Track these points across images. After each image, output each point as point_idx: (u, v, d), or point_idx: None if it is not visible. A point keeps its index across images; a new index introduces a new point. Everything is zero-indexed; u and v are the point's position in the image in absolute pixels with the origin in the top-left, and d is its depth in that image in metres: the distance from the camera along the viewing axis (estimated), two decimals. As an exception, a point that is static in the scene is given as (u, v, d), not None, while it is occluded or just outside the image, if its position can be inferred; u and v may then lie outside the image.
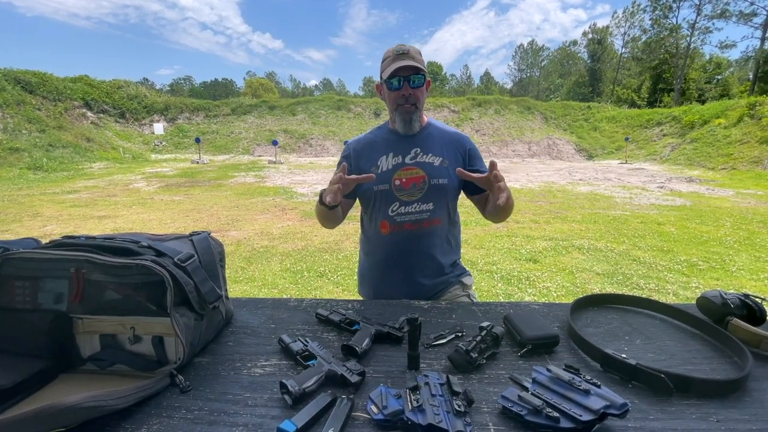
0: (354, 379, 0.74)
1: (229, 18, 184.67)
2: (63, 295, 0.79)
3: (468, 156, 1.38)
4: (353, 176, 1.17)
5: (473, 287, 1.49)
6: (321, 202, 1.25)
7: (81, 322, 0.81)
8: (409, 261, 1.34)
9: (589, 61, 51.48)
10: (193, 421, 0.67)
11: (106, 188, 9.62)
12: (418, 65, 1.24)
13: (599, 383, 0.67)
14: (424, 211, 1.31)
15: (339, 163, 1.43)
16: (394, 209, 1.31)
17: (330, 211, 1.28)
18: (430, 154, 1.34)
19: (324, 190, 1.21)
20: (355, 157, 1.40)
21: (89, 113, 18.80)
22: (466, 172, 1.14)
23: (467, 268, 1.48)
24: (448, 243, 1.39)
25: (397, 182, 1.31)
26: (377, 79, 1.37)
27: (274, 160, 16.34)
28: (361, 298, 1.47)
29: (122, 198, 8.31)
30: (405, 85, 1.25)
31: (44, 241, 0.92)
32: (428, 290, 1.37)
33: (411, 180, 1.31)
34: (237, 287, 3.65)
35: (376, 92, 1.38)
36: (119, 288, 0.79)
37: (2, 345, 0.78)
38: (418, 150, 1.34)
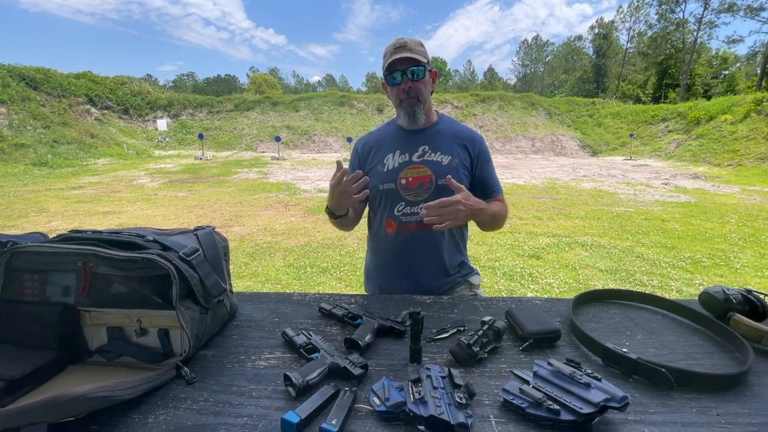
0: (357, 371, 0.75)
1: (232, 14, 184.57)
2: (71, 288, 0.81)
3: (477, 157, 1.32)
4: (353, 181, 1.09)
5: (481, 286, 1.44)
6: (328, 212, 1.24)
7: (88, 314, 0.82)
8: (415, 262, 1.30)
9: (594, 57, 50.99)
10: (198, 411, 0.68)
11: (111, 184, 9.68)
12: (417, 56, 1.18)
13: (600, 377, 0.67)
14: None
15: (350, 163, 1.38)
16: (399, 209, 1.27)
17: (338, 220, 1.27)
18: (438, 153, 1.27)
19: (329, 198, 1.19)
20: (363, 156, 1.37)
21: (93, 109, 18.89)
22: (453, 181, 1.08)
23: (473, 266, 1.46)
24: (455, 244, 1.35)
25: (403, 181, 1.26)
26: (380, 74, 1.32)
27: (277, 156, 16.37)
28: (363, 293, 1.47)
29: (126, 194, 8.36)
30: (405, 78, 1.21)
31: (51, 236, 0.93)
32: (434, 291, 1.31)
33: (417, 179, 1.26)
34: (240, 282, 3.67)
35: (383, 90, 1.34)
36: (125, 281, 0.80)
37: (12, 337, 0.80)
38: (426, 147, 1.28)
